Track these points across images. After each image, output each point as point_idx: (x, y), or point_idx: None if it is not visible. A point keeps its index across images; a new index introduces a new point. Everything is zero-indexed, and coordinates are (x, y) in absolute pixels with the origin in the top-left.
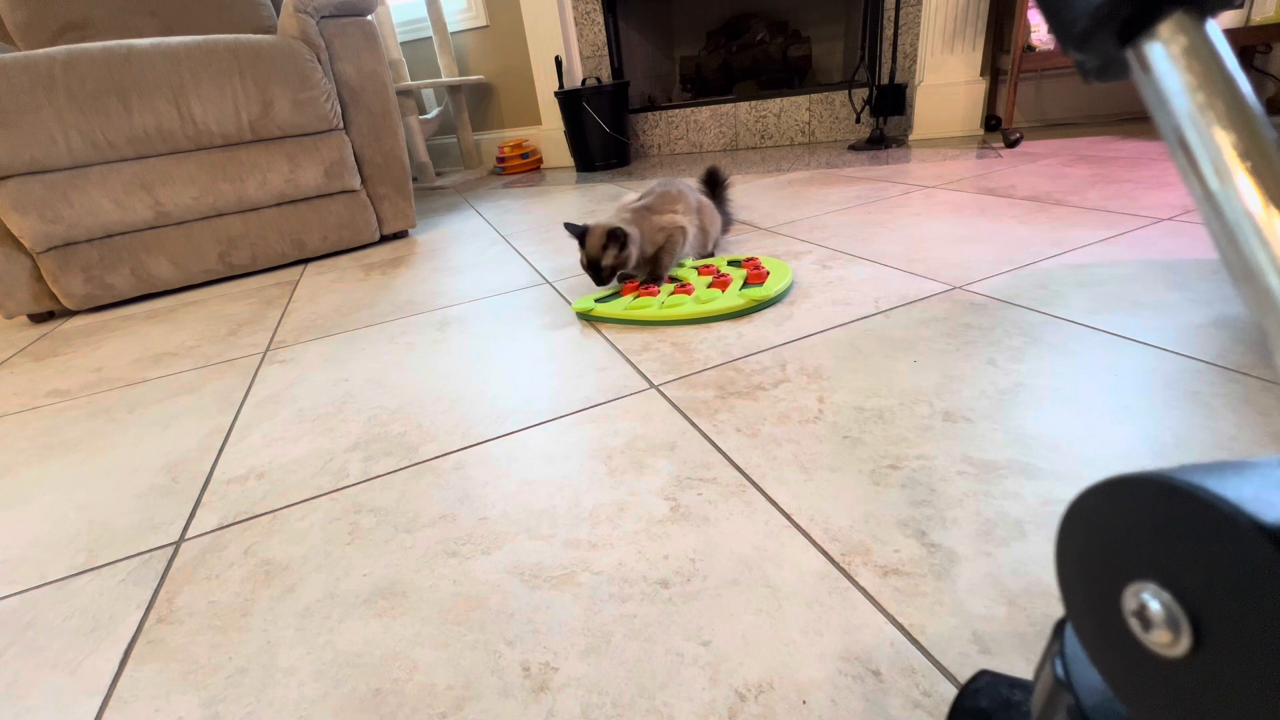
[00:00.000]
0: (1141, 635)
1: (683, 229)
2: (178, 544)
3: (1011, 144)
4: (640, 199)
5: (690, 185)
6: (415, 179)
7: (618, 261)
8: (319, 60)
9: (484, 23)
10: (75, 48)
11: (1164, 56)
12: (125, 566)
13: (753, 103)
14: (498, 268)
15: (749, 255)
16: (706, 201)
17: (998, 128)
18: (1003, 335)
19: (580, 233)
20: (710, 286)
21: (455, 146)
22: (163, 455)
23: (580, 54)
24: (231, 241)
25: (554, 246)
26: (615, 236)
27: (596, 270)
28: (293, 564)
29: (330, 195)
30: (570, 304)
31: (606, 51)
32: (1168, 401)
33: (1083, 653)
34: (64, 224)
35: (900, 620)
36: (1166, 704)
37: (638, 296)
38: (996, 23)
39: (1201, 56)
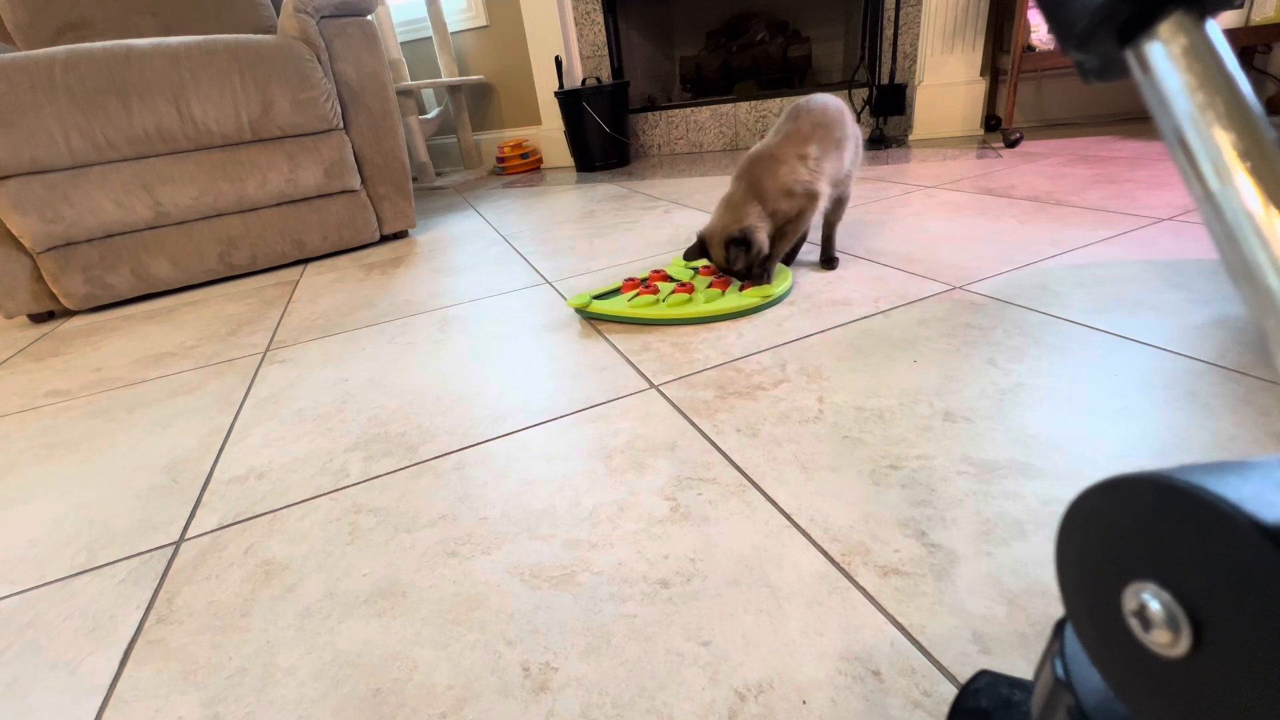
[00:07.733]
0: (1141, 635)
1: (816, 197)
2: (178, 544)
3: (1011, 144)
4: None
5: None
6: (415, 179)
7: (750, 260)
8: (319, 60)
9: (484, 23)
10: (75, 48)
11: (1164, 56)
12: (125, 566)
13: (753, 103)
14: (498, 268)
15: None
16: (855, 130)
17: (998, 128)
18: (1003, 335)
19: (700, 245)
20: (710, 286)
21: (455, 146)
22: (162, 455)
23: (580, 54)
24: (231, 241)
25: (554, 247)
26: (738, 242)
27: (735, 274)
28: (293, 564)
29: (330, 195)
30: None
31: (606, 51)
32: (1167, 401)
33: (1083, 653)
34: (64, 224)
35: (900, 620)
36: (1166, 704)
37: (637, 295)
38: (996, 23)
39: (1201, 56)
